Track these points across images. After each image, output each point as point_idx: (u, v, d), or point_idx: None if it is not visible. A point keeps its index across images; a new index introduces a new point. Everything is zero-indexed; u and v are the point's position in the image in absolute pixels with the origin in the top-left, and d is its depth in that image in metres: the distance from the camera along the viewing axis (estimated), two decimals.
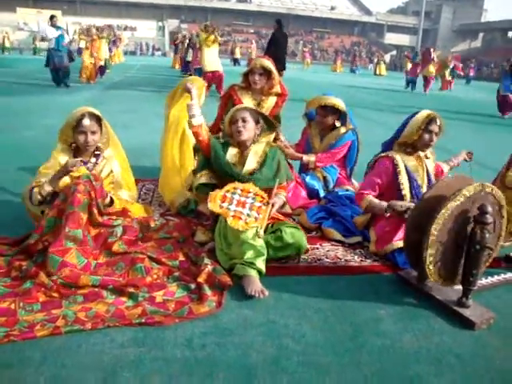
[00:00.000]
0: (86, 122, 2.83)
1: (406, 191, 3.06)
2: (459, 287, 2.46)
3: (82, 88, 12.27)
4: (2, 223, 3.15)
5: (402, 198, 3.03)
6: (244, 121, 2.98)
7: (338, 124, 3.86)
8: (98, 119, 2.91)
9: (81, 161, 2.85)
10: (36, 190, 2.73)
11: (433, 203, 2.34)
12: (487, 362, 2.07)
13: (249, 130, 3.00)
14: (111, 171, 3.05)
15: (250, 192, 2.79)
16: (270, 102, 3.99)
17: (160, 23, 55.21)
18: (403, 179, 3.06)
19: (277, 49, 10.45)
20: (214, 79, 11.59)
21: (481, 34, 60.76)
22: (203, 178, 3.07)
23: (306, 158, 3.87)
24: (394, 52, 58.20)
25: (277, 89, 3.98)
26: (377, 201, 3.07)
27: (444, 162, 3.51)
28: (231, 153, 3.05)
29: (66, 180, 2.77)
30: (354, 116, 4.08)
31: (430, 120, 3.04)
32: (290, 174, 3.24)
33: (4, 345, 1.94)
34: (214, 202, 2.69)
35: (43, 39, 12.32)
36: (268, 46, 10.75)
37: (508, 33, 57.87)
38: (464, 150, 3.53)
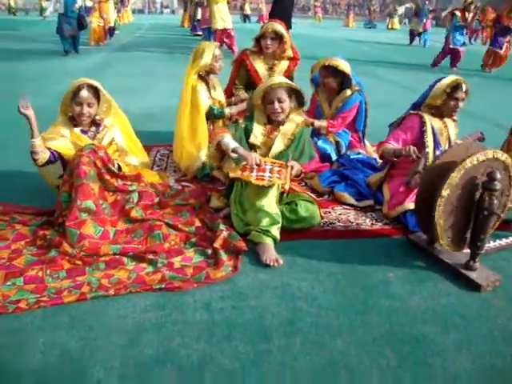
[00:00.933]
0: (84, 93, 2.86)
1: (429, 150, 3.10)
2: (467, 251, 2.54)
3: (92, 51, 12.18)
4: (23, 193, 3.26)
5: (424, 156, 3.07)
6: (280, 101, 3.00)
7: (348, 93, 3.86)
8: (95, 91, 2.93)
9: (81, 130, 2.95)
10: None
11: (445, 167, 2.38)
12: (491, 321, 2.17)
13: (285, 109, 3.03)
14: (113, 139, 3.09)
15: (266, 161, 2.89)
16: (282, 66, 4.00)
17: None
18: (429, 138, 3.11)
19: (282, 6, 10.18)
20: (224, 37, 11.39)
21: None
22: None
23: (317, 123, 3.89)
24: (409, 4, 56.46)
25: (289, 53, 3.97)
26: (391, 146, 3.13)
27: (460, 139, 3.52)
28: (257, 132, 3.08)
29: (71, 151, 2.85)
30: (357, 75, 4.06)
31: (455, 86, 3.06)
32: (313, 152, 3.26)
33: (35, 310, 2.07)
34: (235, 172, 2.77)
35: None
36: (273, 3, 10.45)
37: None
38: (477, 131, 3.50)
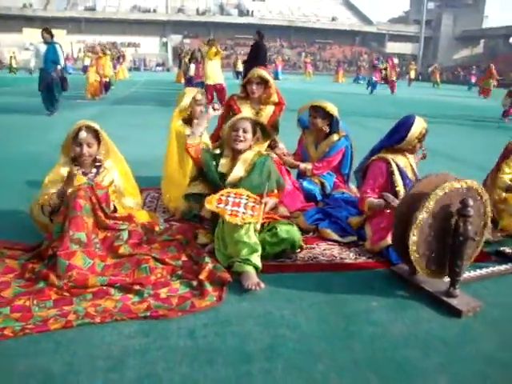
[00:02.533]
0: (83, 134, 2.99)
1: (399, 187, 3.23)
2: (448, 279, 2.60)
3: (88, 104, 12.50)
4: (13, 230, 3.33)
5: (396, 194, 3.19)
6: (245, 131, 3.16)
7: (327, 130, 4.04)
8: (95, 133, 3.07)
9: (82, 172, 3.05)
10: (46, 201, 2.91)
11: (418, 197, 2.49)
12: (471, 345, 2.21)
13: (246, 140, 3.18)
14: (112, 181, 3.19)
15: (242, 194, 2.97)
16: (267, 111, 4.16)
17: (163, 39, 55.88)
18: (397, 177, 3.25)
19: (258, 59, 10.68)
20: (216, 92, 11.79)
21: (482, 41, 60.98)
22: (196, 188, 3.28)
23: (302, 165, 4.05)
24: (396, 61, 58.47)
25: (274, 98, 4.15)
26: (376, 200, 3.23)
27: None
28: (222, 162, 3.22)
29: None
30: (345, 123, 4.24)
31: (425, 132, 3.27)
32: (281, 181, 3.37)
33: (20, 337, 2.10)
34: (211, 204, 2.86)
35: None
36: (250, 57, 10.98)
37: (510, 38, 58.08)
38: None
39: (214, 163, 3.21)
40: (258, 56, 10.56)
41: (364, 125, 10.23)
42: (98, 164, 3.12)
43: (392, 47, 61.69)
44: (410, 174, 3.32)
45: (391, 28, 62.76)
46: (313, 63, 41.64)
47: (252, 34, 11.78)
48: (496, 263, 3.08)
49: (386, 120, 11.46)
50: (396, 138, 3.32)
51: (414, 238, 2.45)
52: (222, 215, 2.79)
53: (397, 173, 3.25)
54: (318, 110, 3.96)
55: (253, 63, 9.78)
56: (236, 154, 3.22)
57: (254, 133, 3.24)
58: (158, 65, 50.33)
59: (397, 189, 3.22)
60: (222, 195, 2.92)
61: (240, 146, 3.16)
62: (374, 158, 3.39)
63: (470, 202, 2.38)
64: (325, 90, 22.96)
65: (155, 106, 12.47)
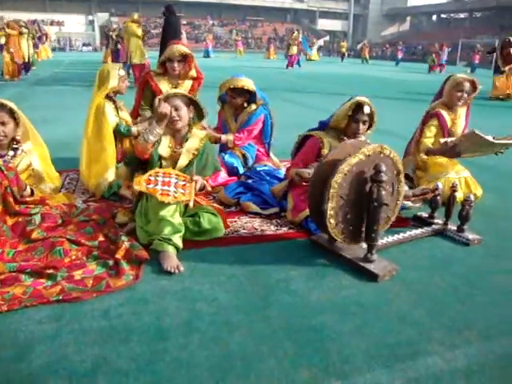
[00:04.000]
0: None
1: None
2: (366, 245, 2.67)
3: (5, 85, 11.82)
4: None
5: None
6: (176, 109, 3.01)
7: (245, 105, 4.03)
8: (10, 111, 2.89)
9: None
10: None
11: (331, 165, 2.51)
12: (387, 306, 2.29)
13: (183, 117, 3.04)
14: (30, 164, 3.04)
15: (171, 174, 2.89)
16: (186, 86, 4.08)
17: (89, 17, 53.61)
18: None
19: (169, 35, 10.42)
20: (143, 71, 11.48)
21: (408, 18, 62.77)
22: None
23: (224, 137, 4.01)
24: (327, 37, 59.21)
25: (192, 72, 4.06)
26: (300, 170, 3.21)
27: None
28: (164, 145, 3.09)
29: None
30: (266, 96, 4.24)
31: (356, 108, 3.13)
32: (217, 165, 3.31)
33: None
34: (140, 185, 2.76)
35: None
36: (164, 34, 10.52)
37: (432, 16, 60.25)
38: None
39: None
40: (167, 32, 10.25)
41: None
42: (15, 146, 2.96)
43: (323, 24, 62.31)
44: None
45: (322, 5, 63.15)
46: (244, 41, 41.41)
47: (181, 12, 11.35)
48: (413, 228, 3.19)
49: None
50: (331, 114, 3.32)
51: (329, 205, 2.47)
52: (154, 195, 2.70)
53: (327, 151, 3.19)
54: (235, 90, 3.94)
55: (164, 40, 9.62)
56: (176, 135, 3.11)
57: (188, 105, 3.08)
58: (84, 44, 48.43)
59: None
60: (151, 175, 2.83)
61: (178, 125, 3.03)
62: (311, 133, 3.37)
63: (383, 168, 2.43)
64: (253, 66, 23.49)
65: (80, 87, 11.96)
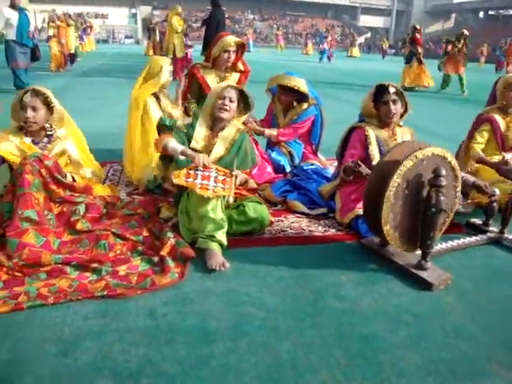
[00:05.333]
0: (27, 97, 2.80)
1: (375, 161, 3.07)
2: (419, 252, 2.53)
3: (52, 76, 12.05)
4: None
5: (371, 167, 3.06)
6: (231, 101, 2.97)
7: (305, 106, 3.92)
8: (44, 97, 2.87)
9: (32, 141, 2.87)
10: None
11: (388, 167, 2.38)
12: (442, 318, 2.16)
13: (231, 110, 2.99)
14: (65, 150, 3.00)
15: (211, 168, 2.81)
16: (233, 79, 4.00)
17: (132, 10, 54.31)
18: (374, 150, 3.10)
19: (212, 30, 10.39)
20: (184, 64, 11.49)
21: (453, 15, 61.15)
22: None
23: (268, 132, 3.91)
24: (369, 34, 58.36)
25: (239, 66, 3.99)
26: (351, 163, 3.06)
27: None
28: (198, 137, 3.02)
29: (16, 158, 2.77)
30: (319, 94, 4.12)
31: (379, 90, 3.07)
32: (255, 158, 3.22)
33: None
34: (179, 178, 2.70)
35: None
36: (208, 27, 10.39)
37: (479, 13, 58.44)
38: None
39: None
40: (211, 25, 10.21)
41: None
42: (49, 133, 2.93)
43: (364, 20, 61.40)
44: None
45: (364, 1, 62.21)
46: (284, 36, 41.17)
47: (223, 6, 11.25)
48: (466, 235, 3.03)
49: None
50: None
51: (385, 209, 2.35)
52: (192, 189, 2.63)
53: (374, 145, 3.10)
54: (285, 88, 3.84)
55: (209, 33, 9.67)
56: (216, 124, 3.04)
57: (238, 104, 3.06)
58: (126, 37, 49.12)
59: (373, 162, 3.06)
60: (190, 169, 2.76)
61: (224, 114, 2.97)
62: (354, 125, 3.26)
63: (443, 172, 2.29)
64: (291, 59, 23.97)
65: (123, 79, 12.06)
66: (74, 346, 1.84)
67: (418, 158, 2.35)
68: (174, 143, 2.90)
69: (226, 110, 2.97)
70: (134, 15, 53.54)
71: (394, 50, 45.50)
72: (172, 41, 11.40)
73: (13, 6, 8.57)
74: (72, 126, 3.12)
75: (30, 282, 2.24)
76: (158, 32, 18.14)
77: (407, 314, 2.17)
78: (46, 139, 2.91)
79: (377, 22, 61.91)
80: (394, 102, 3.07)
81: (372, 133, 3.13)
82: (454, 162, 2.50)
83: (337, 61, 26.55)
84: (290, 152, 3.93)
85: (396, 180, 2.32)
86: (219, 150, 3.01)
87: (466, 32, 12.29)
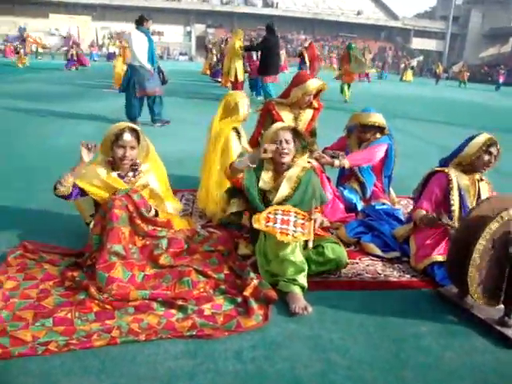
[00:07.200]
0: (127, 136, 2.89)
1: (455, 207, 3.08)
2: (500, 306, 2.49)
3: (115, 95, 12.45)
4: (51, 233, 3.28)
5: (450, 214, 3.06)
6: (287, 142, 2.99)
7: (378, 136, 3.93)
8: (137, 135, 2.97)
9: (118, 175, 2.97)
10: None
11: (478, 221, 2.38)
12: None
13: (291, 151, 3.02)
14: (147, 184, 3.07)
15: (290, 211, 2.85)
16: (306, 115, 4.05)
17: (187, 28, 55.74)
18: (455, 196, 3.09)
19: (268, 54, 10.60)
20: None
21: (511, 39, 59.67)
22: (234, 206, 3.22)
23: (337, 162, 3.78)
24: (421, 57, 57.65)
25: (314, 103, 4.04)
26: (429, 214, 3.09)
27: None
28: (265, 178, 3.06)
29: (101, 193, 2.89)
30: (391, 127, 4.12)
31: (491, 143, 3.08)
32: (324, 196, 3.22)
33: (64, 353, 2.05)
34: (259, 223, 2.74)
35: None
36: (264, 53, 10.75)
37: None
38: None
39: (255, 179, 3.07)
40: (269, 52, 10.46)
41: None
42: (134, 167, 3.02)
43: (417, 43, 60.75)
44: (470, 198, 3.13)
45: (417, 23, 61.65)
46: (337, 57, 41.12)
47: (276, 26, 11.51)
48: None
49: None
50: (458, 149, 3.20)
51: (474, 263, 2.34)
52: (273, 234, 2.67)
53: (456, 190, 3.09)
54: (366, 126, 3.87)
55: (266, 59, 10.12)
56: (279, 168, 3.08)
57: (295, 142, 3.07)
58: (181, 54, 50.36)
59: (452, 208, 3.07)
60: (270, 213, 2.80)
61: (285, 158, 3.00)
62: (437, 169, 3.26)
63: None
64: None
65: (185, 99, 12.33)
66: None
67: (504, 220, 2.34)
68: (237, 162, 3.02)
69: (286, 153, 2.98)
70: (189, 33, 54.90)
71: (446, 74, 44.66)
72: (234, 65, 11.61)
73: (140, 28, 7.90)
74: (156, 160, 3.22)
75: (119, 316, 2.34)
76: (214, 52, 18.53)
77: (493, 375, 2.13)
78: (131, 173, 3.00)
79: (430, 44, 61.14)
80: (495, 157, 3.11)
81: (454, 178, 3.13)
82: None
83: (388, 85, 26.34)
84: (361, 182, 3.93)
85: (486, 236, 2.31)
86: (284, 189, 3.01)
87: None
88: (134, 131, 2.95)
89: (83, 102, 10.75)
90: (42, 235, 3.20)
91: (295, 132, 3.09)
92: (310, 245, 2.68)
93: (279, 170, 3.07)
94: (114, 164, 3.01)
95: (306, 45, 15.35)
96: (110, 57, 27.76)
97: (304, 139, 3.14)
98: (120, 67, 13.55)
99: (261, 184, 3.04)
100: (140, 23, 7.89)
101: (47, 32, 45.78)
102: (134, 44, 7.72)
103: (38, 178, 4.61)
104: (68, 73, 19.81)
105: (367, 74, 24.83)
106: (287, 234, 2.66)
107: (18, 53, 24.21)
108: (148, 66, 7.72)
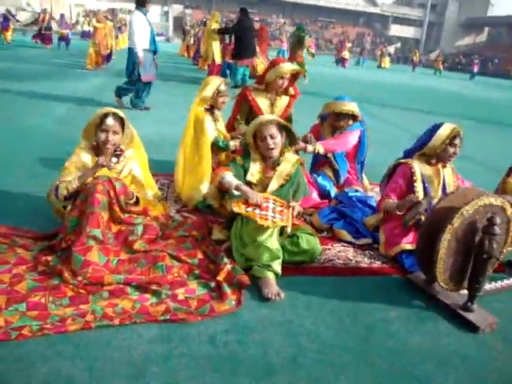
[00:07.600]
0: (110, 121, 2.89)
1: (419, 197, 3.14)
2: (464, 291, 2.59)
3: (91, 75, 12.29)
4: (22, 216, 3.25)
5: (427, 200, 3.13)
6: (272, 137, 3.00)
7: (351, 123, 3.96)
8: (121, 121, 2.97)
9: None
10: (63, 185, 2.81)
11: (445, 212, 2.45)
12: (490, 364, 2.21)
13: (278, 145, 3.04)
14: (131, 171, 3.10)
15: (269, 199, 2.91)
16: (282, 102, 4.09)
17: (164, 8, 54.82)
18: (419, 187, 3.17)
19: (243, 36, 10.59)
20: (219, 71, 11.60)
21: (486, 29, 60.38)
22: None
23: (310, 148, 3.78)
24: (399, 44, 58.00)
25: (290, 90, 4.07)
26: (392, 201, 3.20)
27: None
28: (253, 170, 3.09)
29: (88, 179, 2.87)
30: (363, 114, 4.16)
31: (455, 135, 3.14)
32: (307, 189, 3.28)
33: (38, 338, 2.06)
34: (239, 207, 2.79)
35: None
36: (240, 36, 10.71)
37: None
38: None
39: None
40: (245, 34, 10.42)
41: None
42: (118, 153, 3.01)
43: (395, 30, 61.06)
44: (434, 188, 3.22)
45: (396, 10, 61.88)
46: (315, 42, 41.09)
47: (254, 8, 11.44)
48: (510, 275, 3.06)
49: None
50: (424, 139, 3.26)
51: (443, 250, 2.43)
52: (253, 218, 2.71)
53: (419, 181, 3.18)
54: (340, 114, 3.91)
55: (242, 42, 10.17)
56: (267, 161, 3.11)
57: (281, 133, 3.06)
58: (158, 34, 49.52)
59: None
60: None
61: (273, 153, 3.03)
62: (401, 161, 3.33)
63: (498, 221, 2.35)
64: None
65: (160, 81, 12.15)
66: (144, 369, 1.94)
67: (469, 212, 2.43)
68: (230, 177, 2.97)
69: (272, 149, 3.01)
70: (166, 13, 54.00)
71: (423, 61, 45.09)
72: (211, 48, 11.49)
73: (141, 9, 7.58)
74: (139, 147, 3.23)
75: (94, 301, 2.35)
76: (192, 34, 18.35)
77: (456, 357, 2.23)
78: (114, 159, 2.99)
79: (407, 31, 61.53)
80: (459, 146, 3.19)
81: (418, 169, 3.21)
82: (508, 209, 2.55)
83: (365, 72, 26.48)
84: (335, 170, 3.98)
85: (448, 232, 2.41)
86: (274, 185, 3.07)
87: None
88: (118, 117, 2.95)
89: (57, 81, 10.51)
90: (12, 217, 3.17)
91: (280, 124, 3.08)
92: (289, 230, 2.74)
93: (268, 162, 3.11)
94: (97, 149, 3.00)
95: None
96: (85, 35, 27.11)
97: (290, 131, 3.15)
98: (92, 48, 13.33)
99: (248, 177, 3.08)
100: (141, 4, 7.53)
101: (18, 7, 44.43)
102: (136, 26, 7.40)
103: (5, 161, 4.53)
104: (43, 51, 19.31)
105: (344, 59, 25.01)
106: (266, 219, 2.71)
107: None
108: (140, 51, 7.40)
